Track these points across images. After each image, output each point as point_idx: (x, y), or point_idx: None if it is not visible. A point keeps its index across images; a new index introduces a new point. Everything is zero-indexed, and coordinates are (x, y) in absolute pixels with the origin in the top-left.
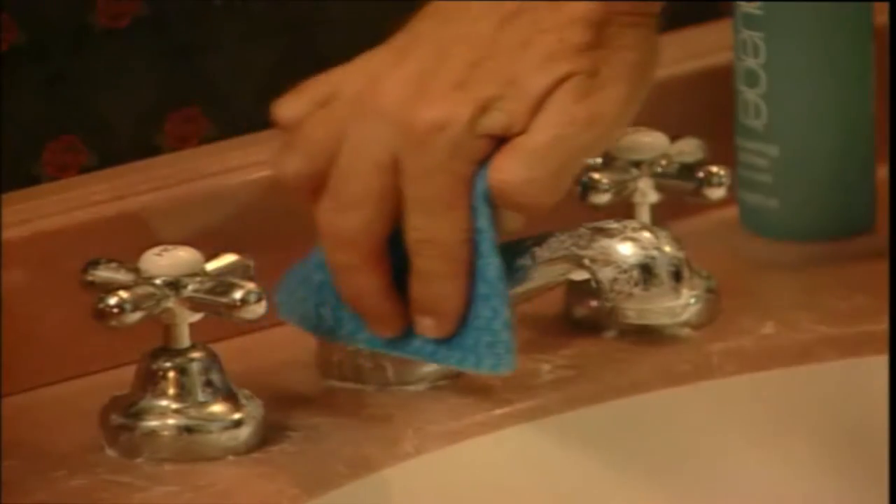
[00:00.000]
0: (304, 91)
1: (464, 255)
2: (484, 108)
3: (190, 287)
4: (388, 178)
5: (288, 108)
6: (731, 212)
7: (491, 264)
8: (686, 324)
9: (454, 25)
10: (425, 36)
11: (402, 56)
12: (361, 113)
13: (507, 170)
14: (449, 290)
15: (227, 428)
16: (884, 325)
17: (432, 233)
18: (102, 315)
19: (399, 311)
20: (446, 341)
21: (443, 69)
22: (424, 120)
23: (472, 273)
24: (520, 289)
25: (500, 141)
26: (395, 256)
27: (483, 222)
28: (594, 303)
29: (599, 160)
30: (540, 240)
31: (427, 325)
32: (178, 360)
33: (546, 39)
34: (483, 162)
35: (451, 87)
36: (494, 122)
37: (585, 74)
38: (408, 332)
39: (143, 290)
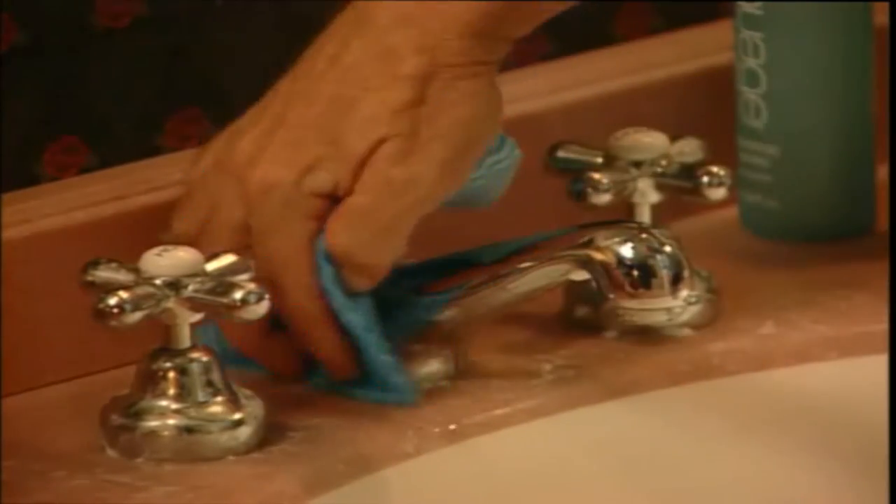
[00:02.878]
0: (204, 151)
1: (315, 309)
2: (309, 168)
3: (190, 287)
4: (243, 238)
5: (191, 169)
6: (731, 212)
7: (351, 321)
8: (686, 324)
9: (301, 82)
10: (280, 93)
11: (259, 114)
12: (221, 174)
13: (334, 231)
14: (319, 338)
15: (227, 428)
16: (884, 325)
17: (281, 290)
18: (102, 315)
19: (284, 351)
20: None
21: (281, 128)
22: (255, 180)
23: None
24: (520, 289)
25: (335, 200)
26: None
27: (327, 283)
28: (594, 303)
29: (600, 160)
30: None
31: (330, 370)
32: (179, 361)
33: (369, 99)
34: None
35: (284, 146)
36: (319, 182)
37: (403, 137)
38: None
39: (143, 290)
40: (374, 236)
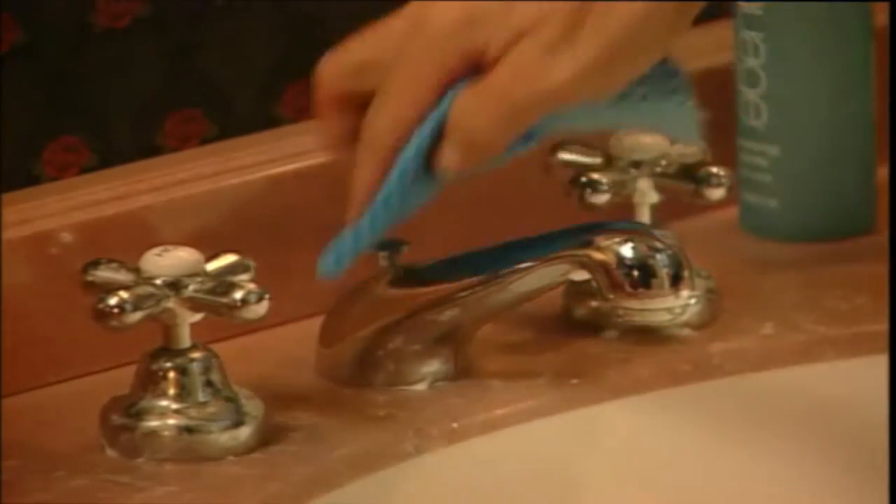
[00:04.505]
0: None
1: (384, 141)
2: (476, 17)
3: (190, 287)
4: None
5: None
6: (731, 212)
7: (399, 170)
8: (686, 324)
9: None
10: None
11: None
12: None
13: (464, 101)
14: (364, 166)
15: (227, 428)
16: (884, 325)
17: (375, 105)
18: (102, 315)
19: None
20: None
21: None
22: (423, 12)
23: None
24: (520, 289)
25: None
26: None
27: (416, 140)
28: (594, 303)
29: (599, 160)
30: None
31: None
32: (179, 361)
33: None
34: (459, 78)
35: None
36: (472, 37)
37: (565, 23)
38: None
39: (143, 290)
40: (499, 118)
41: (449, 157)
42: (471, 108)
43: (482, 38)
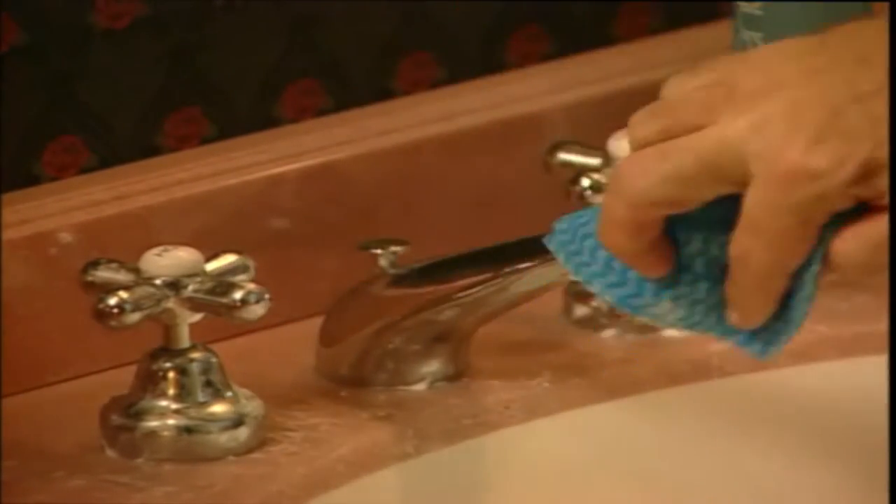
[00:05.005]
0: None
1: (777, 286)
2: (865, 172)
3: (190, 287)
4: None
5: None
6: None
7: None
8: None
9: (866, 65)
10: (836, 56)
11: (809, 73)
12: (741, 108)
13: (849, 252)
14: (753, 304)
15: (227, 428)
16: (884, 325)
17: (750, 260)
18: (102, 315)
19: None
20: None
21: (832, 110)
22: (805, 163)
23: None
24: (520, 289)
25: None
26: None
27: (816, 261)
28: (594, 303)
29: (598, 161)
30: None
31: (733, 318)
32: (178, 361)
33: (879, 102)
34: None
35: (837, 134)
36: (870, 190)
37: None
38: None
39: (143, 290)
40: (871, 263)
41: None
42: (869, 243)
43: (876, 188)
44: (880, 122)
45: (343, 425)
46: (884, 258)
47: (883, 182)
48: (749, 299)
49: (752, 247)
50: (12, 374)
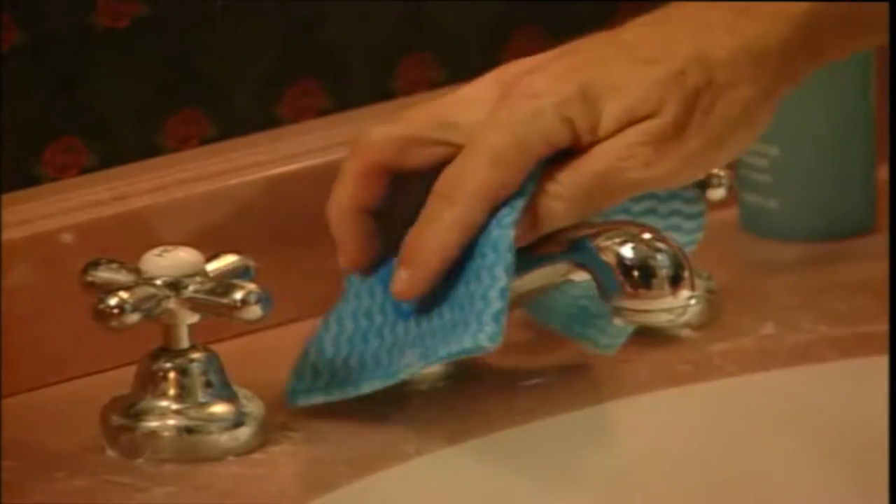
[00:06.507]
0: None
1: (477, 214)
2: (577, 94)
3: (190, 288)
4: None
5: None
6: (731, 212)
7: (505, 236)
8: (686, 324)
9: (623, 31)
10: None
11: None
12: (491, 82)
13: (551, 188)
14: (438, 238)
15: (227, 428)
16: (884, 326)
17: (464, 180)
18: (102, 316)
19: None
20: (433, 336)
21: (566, 56)
22: (526, 81)
23: (478, 247)
24: (520, 289)
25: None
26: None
27: (518, 201)
28: None
29: None
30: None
31: (402, 278)
32: (179, 361)
33: (665, 67)
34: (553, 151)
35: (563, 67)
36: (586, 115)
37: (672, 121)
38: (397, 359)
39: (143, 290)
40: (584, 199)
41: (530, 229)
42: (563, 193)
43: (592, 116)
44: (605, 62)
45: (344, 425)
46: (588, 191)
47: (600, 109)
48: (432, 228)
49: (461, 169)
50: (12, 374)
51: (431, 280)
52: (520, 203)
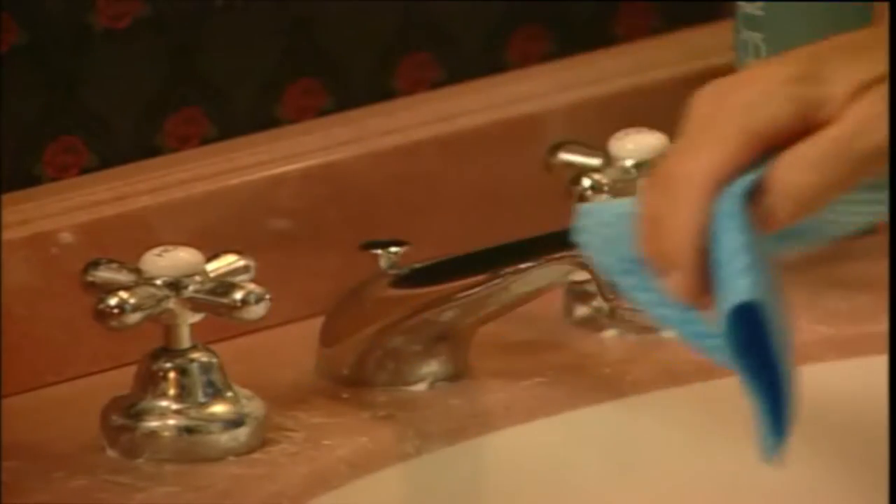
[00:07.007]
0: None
1: (695, 194)
2: (801, 79)
3: (190, 288)
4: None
5: None
6: None
7: (733, 198)
8: None
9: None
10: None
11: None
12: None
13: (792, 160)
14: (673, 225)
15: (227, 428)
16: (884, 325)
17: (680, 166)
18: (103, 315)
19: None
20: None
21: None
22: (750, 71)
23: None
24: (520, 289)
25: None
26: None
27: (749, 176)
28: (594, 303)
29: (599, 161)
30: None
31: (674, 282)
32: (179, 361)
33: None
34: (783, 139)
35: (777, 62)
36: (813, 91)
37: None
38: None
39: (143, 290)
40: (838, 171)
41: (775, 212)
42: (804, 162)
43: (823, 94)
44: (820, 52)
45: (344, 425)
46: (839, 163)
47: (827, 88)
48: (664, 221)
49: (680, 156)
50: (12, 374)
51: (696, 270)
52: (750, 177)
